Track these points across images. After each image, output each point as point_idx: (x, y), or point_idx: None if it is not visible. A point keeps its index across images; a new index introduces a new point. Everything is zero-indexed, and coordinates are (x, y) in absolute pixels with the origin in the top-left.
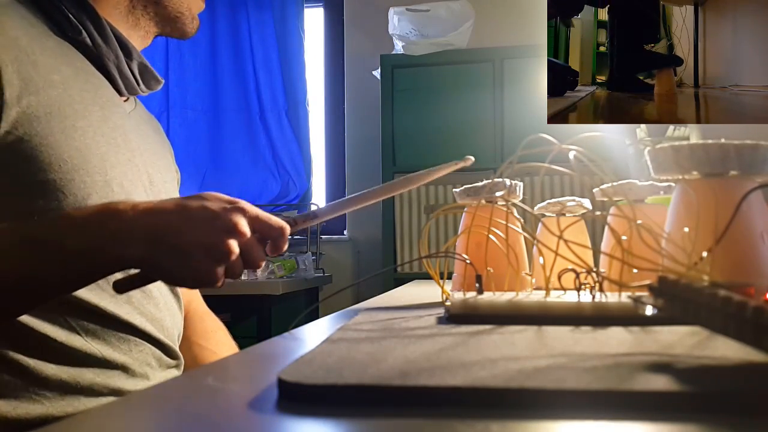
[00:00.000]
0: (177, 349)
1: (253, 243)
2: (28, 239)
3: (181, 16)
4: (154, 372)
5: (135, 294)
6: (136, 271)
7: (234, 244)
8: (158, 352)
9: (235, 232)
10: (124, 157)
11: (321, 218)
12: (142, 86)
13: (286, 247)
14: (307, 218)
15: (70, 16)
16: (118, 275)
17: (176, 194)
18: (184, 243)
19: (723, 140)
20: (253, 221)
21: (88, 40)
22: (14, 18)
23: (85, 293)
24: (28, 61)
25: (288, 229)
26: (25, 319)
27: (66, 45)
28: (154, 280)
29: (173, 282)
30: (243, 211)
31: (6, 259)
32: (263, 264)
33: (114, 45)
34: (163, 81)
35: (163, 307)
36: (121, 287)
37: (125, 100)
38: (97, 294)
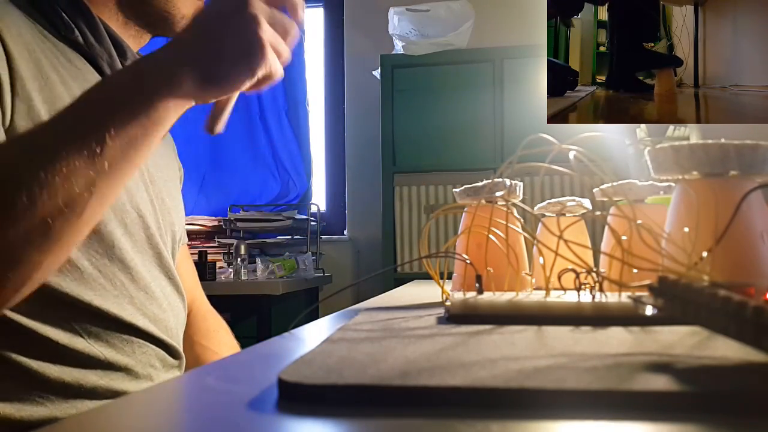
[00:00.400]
0: (180, 349)
1: (275, 13)
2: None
3: (168, 16)
4: (157, 373)
5: (137, 295)
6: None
7: (256, 11)
8: (162, 353)
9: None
10: None
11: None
12: None
13: (302, 13)
14: None
15: (64, 15)
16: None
17: (177, 193)
18: (216, 33)
19: (723, 140)
20: None
21: (80, 38)
22: (14, 16)
23: (87, 295)
24: (31, 58)
25: None
26: (28, 321)
27: (62, 45)
28: (225, 103)
29: (230, 78)
30: None
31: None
32: (297, 33)
33: (107, 44)
34: None
35: (167, 308)
36: (210, 126)
37: None
38: (101, 295)
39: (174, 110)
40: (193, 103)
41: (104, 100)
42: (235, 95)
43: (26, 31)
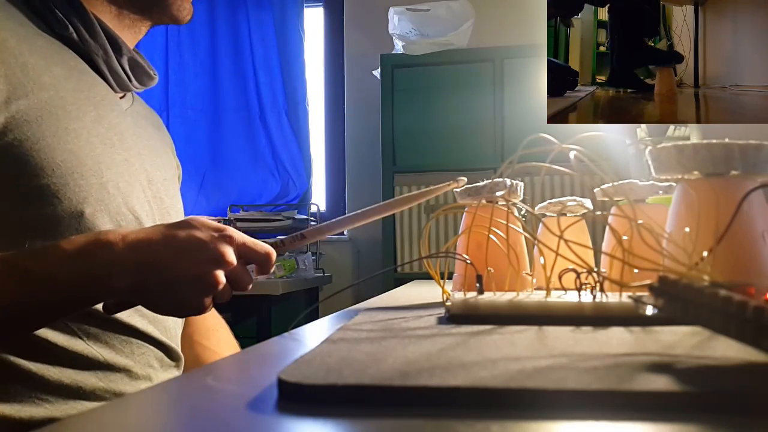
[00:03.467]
0: (179, 349)
1: (240, 269)
2: (19, 269)
3: (161, 1)
4: (156, 373)
5: None
6: None
7: (221, 275)
8: (160, 354)
9: (222, 262)
10: (120, 158)
11: (309, 240)
12: (135, 82)
13: (272, 269)
14: (295, 240)
15: (57, 12)
16: None
17: (176, 191)
18: (172, 276)
19: (727, 140)
20: (240, 248)
21: (74, 35)
22: (1, 19)
23: None
24: (16, 63)
25: (274, 254)
26: None
27: (57, 44)
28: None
29: (162, 312)
30: (230, 240)
31: None
32: (251, 287)
33: (102, 40)
34: (156, 77)
35: None
36: (112, 308)
37: (121, 97)
38: None
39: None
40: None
41: (44, 285)
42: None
43: (12, 34)
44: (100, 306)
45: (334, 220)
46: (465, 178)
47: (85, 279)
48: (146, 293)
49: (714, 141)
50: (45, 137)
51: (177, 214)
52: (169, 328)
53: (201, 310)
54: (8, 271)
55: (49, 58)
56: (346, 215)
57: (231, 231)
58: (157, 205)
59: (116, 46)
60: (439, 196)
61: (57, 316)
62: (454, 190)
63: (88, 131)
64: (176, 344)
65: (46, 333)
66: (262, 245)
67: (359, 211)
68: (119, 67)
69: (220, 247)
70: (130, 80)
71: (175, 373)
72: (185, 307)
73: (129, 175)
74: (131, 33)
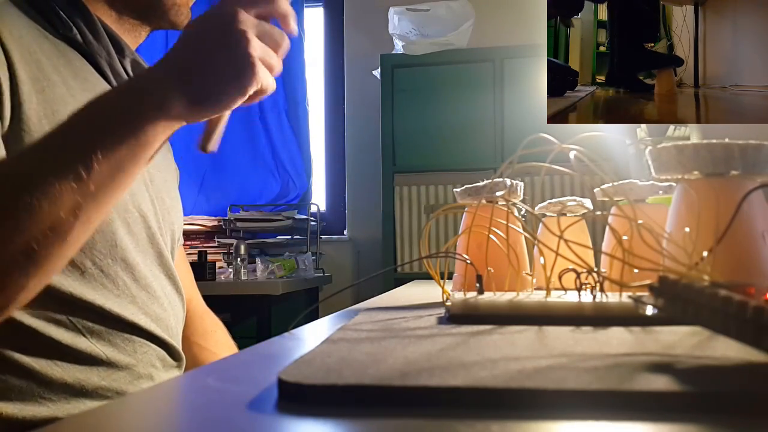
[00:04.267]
0: (180, 349)
1: (260, 23)
2: (52, 135)
3: (158, 4)
4: (158, 373)
5: (139, 295)
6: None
7: (245, 27)
8: (162, 353)
9: (237, 15)
10: None
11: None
12: None
13: (294, 23)
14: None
15: (61, 13)
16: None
17: (176, 192)
18: (207, 54)
19: (727, 140)
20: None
21: (78, 37)
22: (13, 17)
23: (90, 294)
24: (31, 59)
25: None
26: (30, 321)
27: (62, 45)
28: (218, 120)
29: (222, 97)
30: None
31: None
32: (288, 44)
33: (105, 42)
34: None
35: (168, 307)
36: (203, 144)
37: None
38: (102, 295)
39: (163, 132)
40: (183, 124)
41: (91, 123)
42: (228, 113)
43: (26, 32)
44: (103, 302)
45: None
46: None
47: (136, 112)
48: (197, 92)
49: (714, 141)
50: None
51: (177, 215)
52: (171, 326)
53: (250, 72)
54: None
55: (56, 58)
56: None
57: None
58: (159, 204)
59: (119, 48)
60: (439, 196)
61: (130, 161)
62: (454, 190)
63: None
64: (178, 343)
65: (49, 330)
66: None
67: None
68: (122, 69)
69: (228, 8)
70: None
71: (176, 373)
72: (236, 71)
73: None
74: (131, 37)
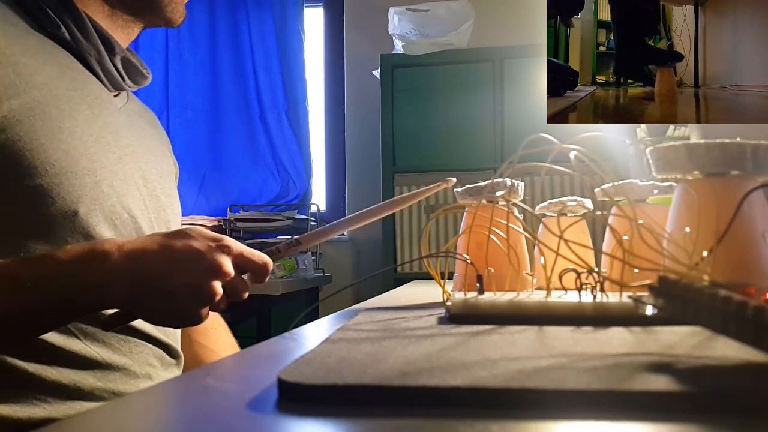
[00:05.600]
0: (178, 347)
1: (237, 279)
2: (13, 279)
3: (153, 1)
4: (156, 371)
5: None
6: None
7: (218, 285)
8: (160, 352)
9: (219, 273)
10: (115, 156)
11: (304, 246)
12: (128, 81)
13: (267, 278)
14: (290, 247)
15: (49, 11)
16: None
17: (173, 189)
18: (169, 286)
19: (728, 140)
20: (237, 258)
21: (67, 35)
22: None
23: None
24: (7, 63)
25: (270, 264)
26: None
27: (50, 43)
28: (138, 318)
29: (157, 322)
30: (227, 250)
31: None
32: (247, 294)
33: (95, 39)
34: (150, 76)
35: None
36: (108, 325)
37: (116, 96)
38: None
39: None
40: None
41: (37, 294)
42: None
43: (3, 33)
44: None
45: (328, 225)
46: (454, 179)
47: (80, 289)
48: (142, 304)
49: (714, 141)
50: (38, 136)
51: (173, 213)
52: None
53: (198, 320)
54: (1, 280)
55: (42, 57)
56: (340, 220)
57: (228, 241)
58: (153, 203)
59: (109, 45)
60: (439, 196)
61: (49, 327)
62: (455, 190)
63: (81, 130)
64: (175, 342)
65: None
66: (259, 255)
67: (352, 215)
68: (112, 67)
69: (218, 258)
70: (123, 79)
71: (175, 371)
72: (182, 317)
73: (123, 173)
74: (124, 33)
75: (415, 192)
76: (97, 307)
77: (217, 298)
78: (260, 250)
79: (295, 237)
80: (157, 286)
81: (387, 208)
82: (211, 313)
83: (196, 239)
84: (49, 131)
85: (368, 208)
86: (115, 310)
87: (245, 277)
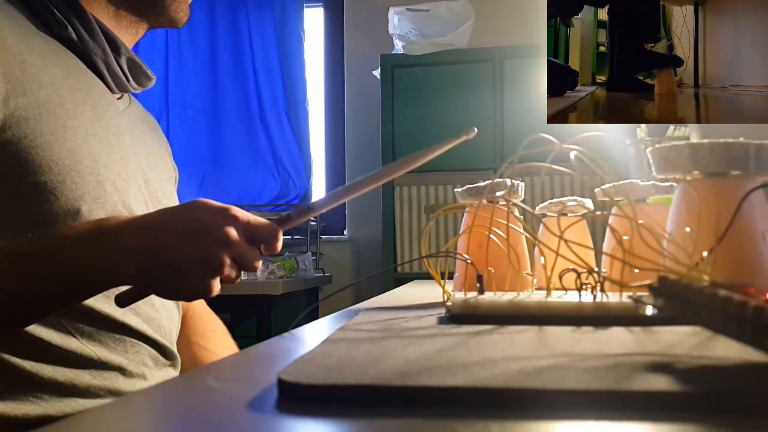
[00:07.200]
0: (174, 349)
1: (246, 249)
2: (21, 256)
3: (158, 1)
4: (151, 372)
5: None
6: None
7: (226, 256)
8: (154, 352)
9: (227, 243)
10: (117, 157)
11: (316, 211)
12: (133, 83)
13: (279, 246)
14: (301, 213)
15: (56, 11)
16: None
17: (173, 192)
18: (177, 259)
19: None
20: (245, 227)
21: (73, 35)
22: (1, 17)
23: None
24: (15, 61)
25: (280, 231)
26: None
27: (55, 43)
28: (151, 294)
29: (168, 296)
30: (234, 220)
31: None
32: (260, 264)
33: (101, 40)
34: (154, 77)
35: (160, 307)
36: (122, 301)
37: (119, 98)
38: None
39: (99, 291)
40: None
41: (43, 275)
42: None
43: (10, 33)
44: (93, 303)
45: (340, 187)
46: (476, 129)
47: (88, 265)
48: (151, 278)
49: (715, 141)
50: (43, 135)
51: None
52: (164, 326)
53: (208, 293)
54: (7, 258)
55: (48, 57)
56: (353, 181)
57: (235, 211)
58: (153, 204)
59: (115, 46)
60: (439, 196)
61: (57, 307)
62: (455, 190)
63: (85, 129)
64: (171, 343)
65: (39, 331)
66: (267, 223)
67: (367, 175)
68: (117, 68)
69: (225, 228)
70: (128, 81)
71: (170, 372)
72: (192, 290)
73: (126, 173)
74: (129, 34)
75: (434, 147)
76: (106, 284)
77: (226, 269)
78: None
79: (307, 203)
80: (166, 260)
81: (403, 165)
82: (210, 315)
83: (203, 211)
84: (53, 130)
85: (382, 168)
86: (128, 288)
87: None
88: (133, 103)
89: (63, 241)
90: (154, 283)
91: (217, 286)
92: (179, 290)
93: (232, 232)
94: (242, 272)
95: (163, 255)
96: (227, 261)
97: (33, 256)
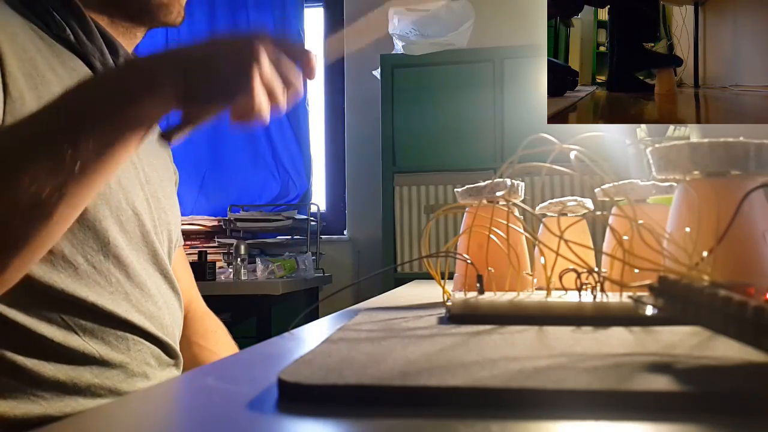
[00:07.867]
0: (177, 347)
1: (282, 59)
2: (54, 109)
3: (145, 5)
4: (153, 371)
5: (133, 292)
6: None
7: (258, 45)
8: (157, 351)
9: (257, 34)
10: None
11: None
12: None
13: (315, 67)
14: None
15: (55, 14)
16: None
17: (173, 193)
18: (209, 51)
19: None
20: (274, 43)
21: (72, 37)
22: (8, 16)
23: (82, 291)
24: (26, 57)
25: (312, 52)
26: (23, 319)
27: (57, 45)
28: (195, 120)
29: (212, 98)
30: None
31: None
32: (300, 85)
33: (99, 42)
34: None
35: (162, 305)
36: (167, 135)
37: None
38: (95, 292)
39: (148, 115)
40: (168, 111)
41: (81, 102)
42: (205, 120)
43: (21, 30)
44: (95, 299)
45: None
46: None
47: (126, 90)
48: (189, 82)
49: (715, 140)
50: None
51: (174, 215)
52: (166, 324)
53: (249, 83)
54: (43, 113)
55: (51, 57)
56: None
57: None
58: (154, 204)
59: (113, 48)
60: (439, 196)
61: (99, 155)
62: (455, 190)
63: None
64: (174, 342)
65: (41, 328)
66: (297, 43)
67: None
68: None
69: (255, 38)
70: None
71: (173, 371)
72: (233, 83)
73: (128, 171)
74: (127, 39)
75: None
76: (146, 106)
77: (263, 57)
78: (261, 251)
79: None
80: (198, 54)
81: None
82: (210, 315)
83: (225, 34)
84: None
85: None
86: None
87: None
88: None
89: (94, 81)
90: (192, 86)
91: (257, 80)
92: (220, 85)
93: (262, 32)
94: (248, 267)
95: (194, 51)
96: (260, 49)
97: (65, 103)
